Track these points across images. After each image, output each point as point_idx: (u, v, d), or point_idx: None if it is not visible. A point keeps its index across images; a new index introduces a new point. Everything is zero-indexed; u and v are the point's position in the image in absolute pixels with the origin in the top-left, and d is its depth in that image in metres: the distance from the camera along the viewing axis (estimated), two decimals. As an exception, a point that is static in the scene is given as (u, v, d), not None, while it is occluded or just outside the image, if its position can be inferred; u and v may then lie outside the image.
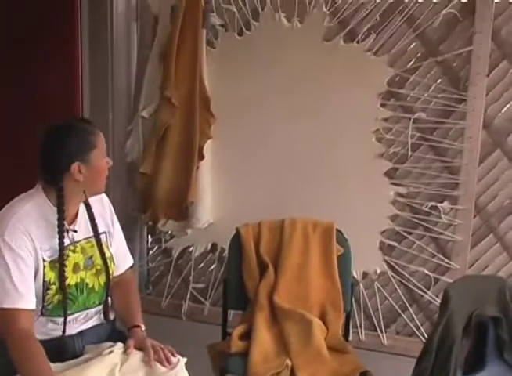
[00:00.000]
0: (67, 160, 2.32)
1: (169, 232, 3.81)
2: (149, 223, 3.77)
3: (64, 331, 2.42)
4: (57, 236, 2.33)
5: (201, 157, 3.51)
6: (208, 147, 3.56)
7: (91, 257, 2.47)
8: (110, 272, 2.51)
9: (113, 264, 2.56)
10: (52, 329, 2.42)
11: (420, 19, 3.31)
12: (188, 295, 3.82)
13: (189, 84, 3.49)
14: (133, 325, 2.50)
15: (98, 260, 2.49)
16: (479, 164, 3.33)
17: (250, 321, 2.97)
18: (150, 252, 4.03)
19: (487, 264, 3.46)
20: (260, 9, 3.50)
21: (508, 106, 3.35)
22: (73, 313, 2.43)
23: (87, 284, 2.45)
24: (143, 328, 2.50)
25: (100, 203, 2.57)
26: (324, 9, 3.40)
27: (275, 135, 3.52)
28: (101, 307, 2.54)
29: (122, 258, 2.67)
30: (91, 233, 2.49)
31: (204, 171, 3.56)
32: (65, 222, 2.36)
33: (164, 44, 3.54)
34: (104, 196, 2.59)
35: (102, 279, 2.50)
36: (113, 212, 2.63)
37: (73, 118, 2.75)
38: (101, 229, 2.53)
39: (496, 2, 3.20)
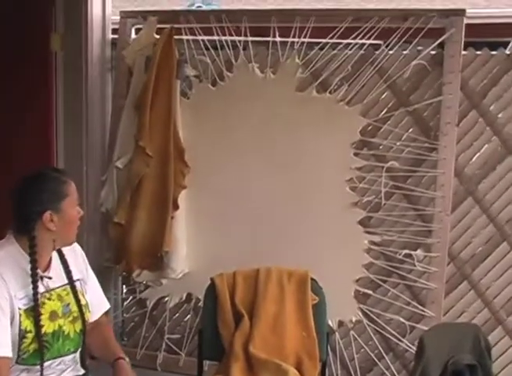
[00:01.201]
0: (40, 209, 2.33)
1: (144, 282, 3.78)
2: (124, 274, 3.74)
3: None
4: (31, 284, 2.32)
5: (176, 207, 3.51)
6: (183, 196, 3.57)
7: (68, 304, 2.46)
8: (86, 319, 2.50)
9: (89, 311, 2.54)
10: None
11: (390, 70, 3.38)
12: (163, 346, 3.77)
13: (164, 135, 3.51)
14: (118, 357, 2.48)
15: (74, 307, 2.48)
16: (452, 212, 3.36)
17: (226, 372, 2.93)
18: (125, 303, 3.99)
19: (462, 311, 3.47)
20: (233, 60, 3.55)
21: (478, 154, 3.41)
22: (47, 360, 2.40)
23: (63, 332, 2.43)
24: (127, 360, 2.47)
25: (72, 251, 2.57)
26: (297, 60, 3.45)
27: (249, 184, 3.53)
28: (76, 355, 2.52)
29: (97, 304, 2.66)
30: (66, 281, 2.48)
31: (179, 221, 3.55)
32: (39, 270, 2.35)
33: (138, 94, 3.57)
34: (76, 244, 2.59)
35: (78, 326, 2.48)
36: (86, 259, 2.63)
37: (46, 167, 2.76)
38: (75, 276, 2.52)
39: (464, 54, 3.28)
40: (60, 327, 2.42)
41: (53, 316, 2.40)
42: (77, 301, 2.48)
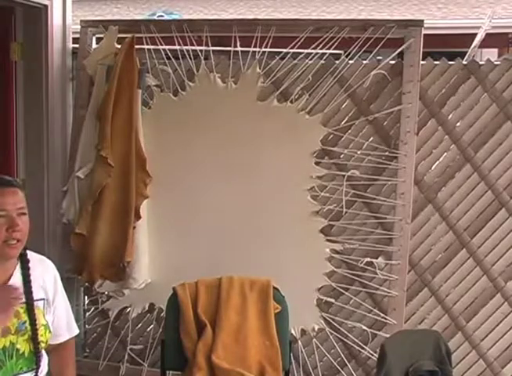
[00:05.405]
0: None
1: (106, 293, 3.74)
2: (86, 284, 3.71)
3: None
4: None
5: (138, 216, 3.49)
6: (145, 206, 3.55)
7: (25, 322, 2.40)
8: (43, 339, 2.43)
9: (49, 332, 2.47)
10: None
11: (351, 79, 3.41)
12: (126, 357, 3.75)
13: (125, 144, 3.49)
14: None
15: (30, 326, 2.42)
16: (412, 220, 3.40)
17: (189, 382, 2.93)
18: (87, 314, 3.96)
19: (423, 318, 3.51)
20: (195, 70, 3.55)
21: (437, 162, 3.46)
22: None
23: (17, 350, 2.37)
24: None
25: (45, 268, 2.49)
26: (258, 70, 3.47)
27: (211, 193, 3.53)
28: (31, 375, 2.45)
29: (66, 328, 2.57)
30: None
31: (141, 231, 3.54)
32: None
33: (99, 104, 3.54)
34: (50, 262, 2.52)
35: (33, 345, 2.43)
36: (58, 279, 2.53)
37: None
38: (39, 295, 2.43)
39: (422, 64, 3.33)
40: (12, 343, 2.35)
41: (5, 331, 2.34)
42: (33, 320, 2.41)
